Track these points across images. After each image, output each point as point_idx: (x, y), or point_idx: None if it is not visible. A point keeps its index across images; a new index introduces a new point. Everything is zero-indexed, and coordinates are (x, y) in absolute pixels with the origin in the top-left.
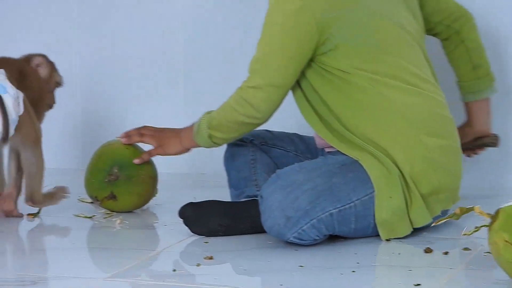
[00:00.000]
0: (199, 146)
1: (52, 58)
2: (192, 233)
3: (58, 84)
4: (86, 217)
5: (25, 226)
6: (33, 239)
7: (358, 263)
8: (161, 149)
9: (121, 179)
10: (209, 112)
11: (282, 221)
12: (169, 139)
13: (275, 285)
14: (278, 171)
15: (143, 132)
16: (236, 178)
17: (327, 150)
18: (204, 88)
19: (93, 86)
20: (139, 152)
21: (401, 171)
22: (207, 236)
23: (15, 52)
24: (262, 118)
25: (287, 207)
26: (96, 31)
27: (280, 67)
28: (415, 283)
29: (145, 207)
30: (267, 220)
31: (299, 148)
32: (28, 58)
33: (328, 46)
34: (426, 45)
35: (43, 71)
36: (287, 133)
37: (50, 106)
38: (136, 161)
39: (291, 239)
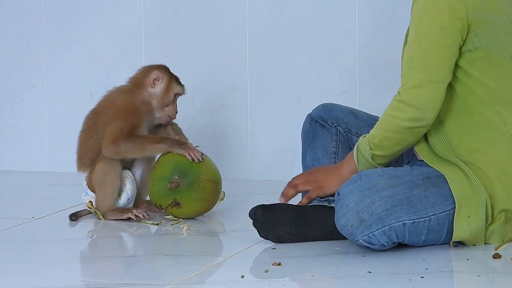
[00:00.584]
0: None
1: None
2: (260, 238)
3: (178, 95)
4: (153, 223)
5: (93, 233)
6: (99, 245)
7: (426, 268)
8: (320, 191)
9: (182, 186)
10: (364, 136)
11: (355, 222)
12: (327, 179)
13: None
14: (360, 172)
15: (295, 183)
16: (312, 164)
17: (419, 158)
18: None
19: None
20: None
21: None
22: (274, 242)
23: None
24: (428, 119)
25: (363, 210)
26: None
27: (440, 60)
28: None
29: (211, 213)
30: (340, 219)
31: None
32: (146, 72)
33: (468, 46)
34: None
35: (159, 87)
36: (372, 116)
37: (170, 117)
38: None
39: (360, 241)
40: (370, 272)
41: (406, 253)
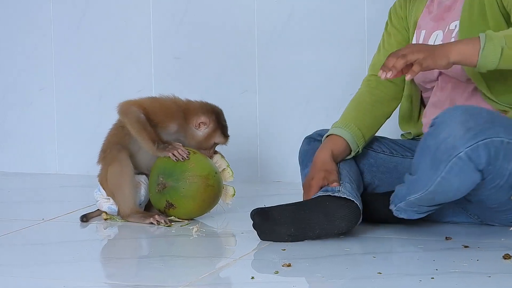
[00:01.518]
0: (466, 64)
1: None
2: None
3: (218, 144)
4: (164, 225)
5: (103, 234)
6: (109, 247)
7: (436, 269)
8: (431, 60)
9: (168, 186)
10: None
11: (461, 132)
12: (437, 49)
13: None
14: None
15: (402, 53)
16: None
17: None
18: None
19: None
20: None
21: None
22: (275, 242)
23: None
24: None
25: (469, 119)
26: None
27: None
28: None
29: (221, 214)
30: (441, 132)
31: (392, 147)
32: (198, 110)
33: None
34: None
35: (202, 131)
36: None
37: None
38: (383, 75)
39: (462, 154)
40: (380, 273)
41: (416, 254)
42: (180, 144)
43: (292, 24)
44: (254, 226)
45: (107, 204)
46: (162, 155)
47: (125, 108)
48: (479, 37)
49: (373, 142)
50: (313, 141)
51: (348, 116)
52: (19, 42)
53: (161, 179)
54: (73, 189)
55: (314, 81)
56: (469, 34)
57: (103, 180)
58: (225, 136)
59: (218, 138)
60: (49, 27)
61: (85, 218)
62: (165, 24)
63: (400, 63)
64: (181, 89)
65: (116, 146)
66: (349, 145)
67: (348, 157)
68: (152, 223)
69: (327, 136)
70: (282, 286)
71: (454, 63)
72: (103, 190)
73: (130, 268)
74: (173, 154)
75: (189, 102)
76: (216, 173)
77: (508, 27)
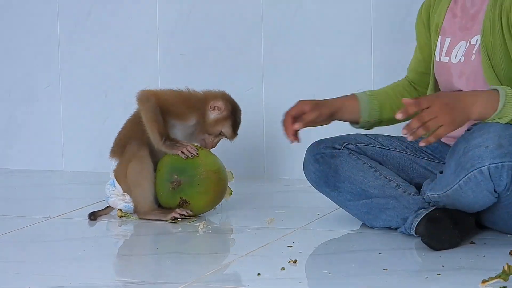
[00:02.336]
0: (489, 119)
1: None
2: (276, 236)
3: (223, 135)
4: (170, 221)
5: (110, 231)
6: (116, 244)
7: (443, 266)
8: (451, 127)
9: (183, 183)
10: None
11: (492, 145)
12: (458, 113)
13: None
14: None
15: (426, 119)
16: (362, 189)
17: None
18: None
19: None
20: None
21: None
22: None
23: None
24: None
25: (505, 136)
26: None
27: None
28: (501, 286)
29: (227, 211)
30: (474, 139)
31: (401, 146)
32: (215, 96)
33: None
34: None
35: (215, 115)
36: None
37: (204, 144)
38: (399, 115)
39: (485, 168)
40: (386, 270)
41: (422, 251)
42: (186, 142)
43: (299, 21)
44: (423, 238)
45: (123, 203)
46: (170, 152)
47: (145, 97)
48: (497, 91)
49: (382, 139)
50: (322, 158)
51: (380, 91)
52: (25, 39)
53: (175, 176)
54: (80, 186)
55: (321, 77)
56: (489, 52)
57: (120, 176)
58: (233, 130)
59: (226, 128)
60: (55, 24)
61: (93, 216)
62: (171, 21)
63: (421, 133)
64: (187, 86)
65: (136, 142)
66: (359, 110)
67: (354, 126)
68: (175, 217)
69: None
70: (288, 282)
71: (476, 119)
72: (118, 185)
73: (137, 265)
74: (182, 152)
75: (209, 91)
76: (224, 167)
77: None
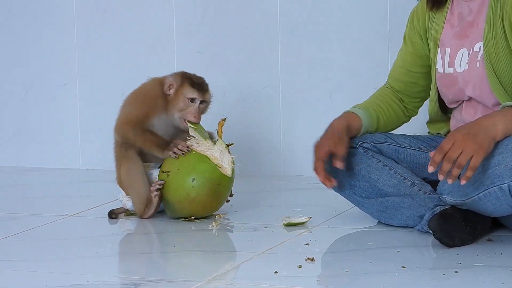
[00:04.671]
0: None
1: None
2: (293, 234)
3: (191, 99)
4: (185, 219)
5: (126, 229)
6: (133, 242)
7: (460, 263)
8: (482, 155)
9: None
10: None
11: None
12: (483, 138)
13: (377, 286)
14: None
15: (451, 155)
16: (377, 187)
17: None
18: None
19: None
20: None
21: None
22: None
23: None
24: None
25: None
26: None
27: None
28: None
29: (243, 209)
30: (497, 156)
31: (417, 143)
32: (165, 77)
33: None
34: None
35: (172, 92)
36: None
37: (189, 119)
38: (430, 169)
39: (505, 185)
40: (404, 267)
41: (439, 248)
42: (179, 141)
43: (315, 18)
44: (435, 233)
45: (130, 202)
46: (164, 157)
47: (121, 131)
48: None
49: (398, 138)
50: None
51: (371, 103)
52: (42, 38)
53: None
54: (96, 184)
55: (337, 75)
56: (492, 59)
57: (119, 180)
58: (195, 87)
59: (187, 91)
60: (72, 22)
61: (114, 215)
62: (187, 19)
63: (457, 172)
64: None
65: (124, 145)
66: (361, 127)
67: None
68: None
69: (347, 112)
70: (305, 280)
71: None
72: (122, 190)
73: (153, 263)
74: (174, 153)
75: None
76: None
77: None
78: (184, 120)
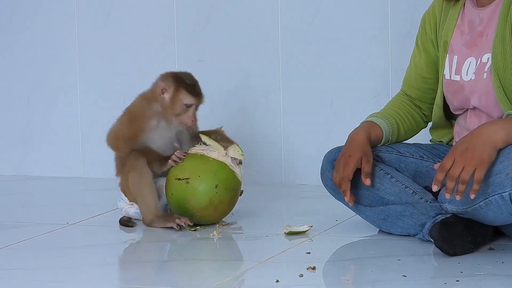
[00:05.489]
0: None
1: None
2: (294, 243)
3: (188, 105)
4: (190, 229)
5: (128, 238)
6: (134, 251)
7: (461, 272)
8: (484, 168)
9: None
10: None
11: None
12: (483, 151)
13: None
14: None
15: (452, 174)
16: (378, 196)
17: None
18: None
19: None
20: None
21: None
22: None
23: None
24: None
25: None
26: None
27: None
28: None
29: (245, 217)
30: (498, 164)
31: (418, 152)
32: (157, 81)
33: None
34: None
35: (166, 96)
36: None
37: (186, 126)
38: (435, 188)
39: (506, 193)
40: (405, 276)
41: (441, 257)
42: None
43: (316, 26)
44: (436, 241)
45: (133, 209)
46: (166, 168)
47: (115, 147)
48: None
49: (400, 146)
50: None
51: (390, 111)
52: (43, 44)
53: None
54: (98, 192)
55: (338, 82)
56: (500, 73)
57: (125, 188)
58: (192, 93)
59: (184, 97)
60: (73, 29)
61: (130, 223)
62: (189, 27)
63: (463, 188)
64: (205, 92)
65: (134, 153)
66: (383, 137)
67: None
68: (172, 227)
69: (365, 122)
70: None
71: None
72: (125, 197)
73: (155, 271)
74: (173, 160)
75: (152, 83)
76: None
77: None
78: (184, 124)
